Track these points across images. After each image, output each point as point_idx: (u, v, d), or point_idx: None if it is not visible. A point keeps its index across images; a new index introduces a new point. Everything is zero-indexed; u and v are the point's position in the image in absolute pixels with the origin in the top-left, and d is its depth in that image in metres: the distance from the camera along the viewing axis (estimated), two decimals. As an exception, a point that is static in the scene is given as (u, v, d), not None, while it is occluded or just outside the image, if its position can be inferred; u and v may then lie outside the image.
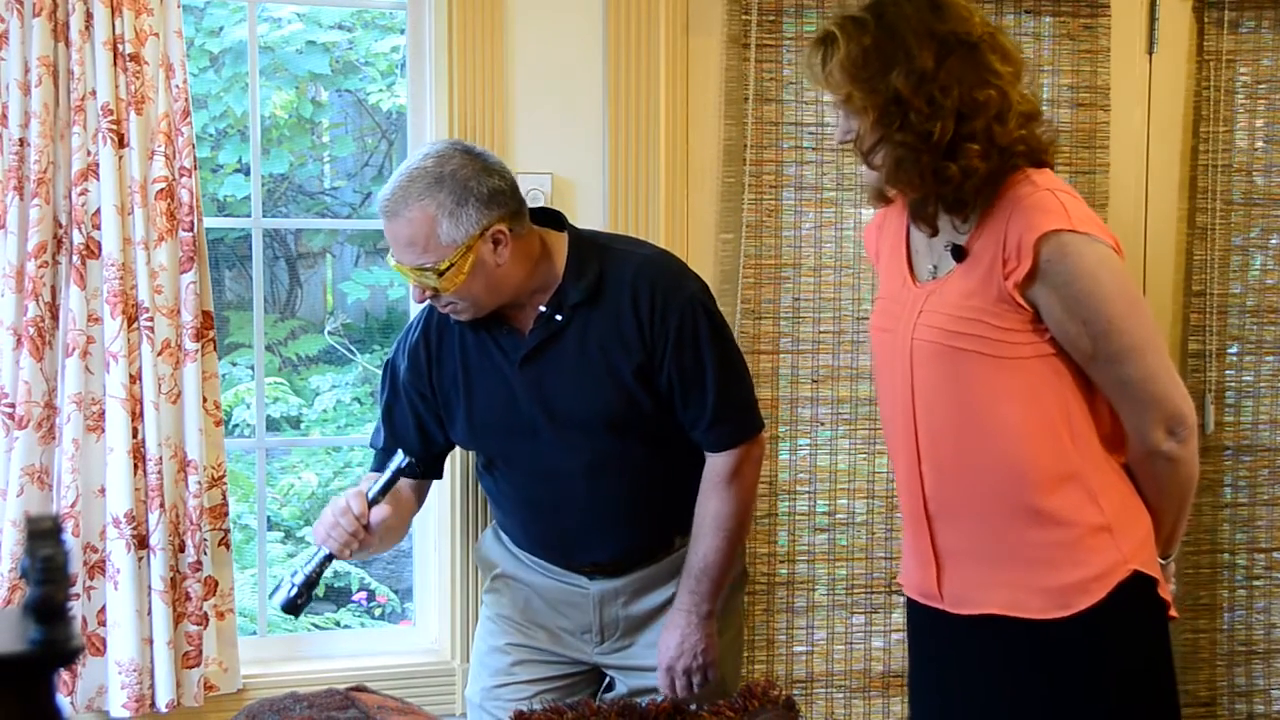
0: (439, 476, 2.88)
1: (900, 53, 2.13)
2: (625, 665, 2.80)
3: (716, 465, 2.68)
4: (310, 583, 2.56)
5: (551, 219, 2.70)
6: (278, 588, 2.59)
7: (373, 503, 2.56)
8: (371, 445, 2.84)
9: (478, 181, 2.51)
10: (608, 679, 2.85)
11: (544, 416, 2.64)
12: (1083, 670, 2.20)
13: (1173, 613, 2.29)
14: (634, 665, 2.78)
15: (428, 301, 2.62)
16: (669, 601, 2.75)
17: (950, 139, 2.13)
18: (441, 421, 2.75)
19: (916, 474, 2.27)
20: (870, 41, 2.15)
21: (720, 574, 2.68)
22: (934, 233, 2.26)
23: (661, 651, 2.70)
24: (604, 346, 2.60)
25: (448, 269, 2.49)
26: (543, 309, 2.61)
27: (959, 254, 2.21)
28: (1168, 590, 2.27)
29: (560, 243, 2.65)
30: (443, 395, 2.72)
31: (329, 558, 2.56)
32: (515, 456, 2.72)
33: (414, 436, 2.75)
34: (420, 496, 2.86)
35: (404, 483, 2.68)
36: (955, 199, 2.17)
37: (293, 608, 2.56)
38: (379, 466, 2.71)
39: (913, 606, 2.41)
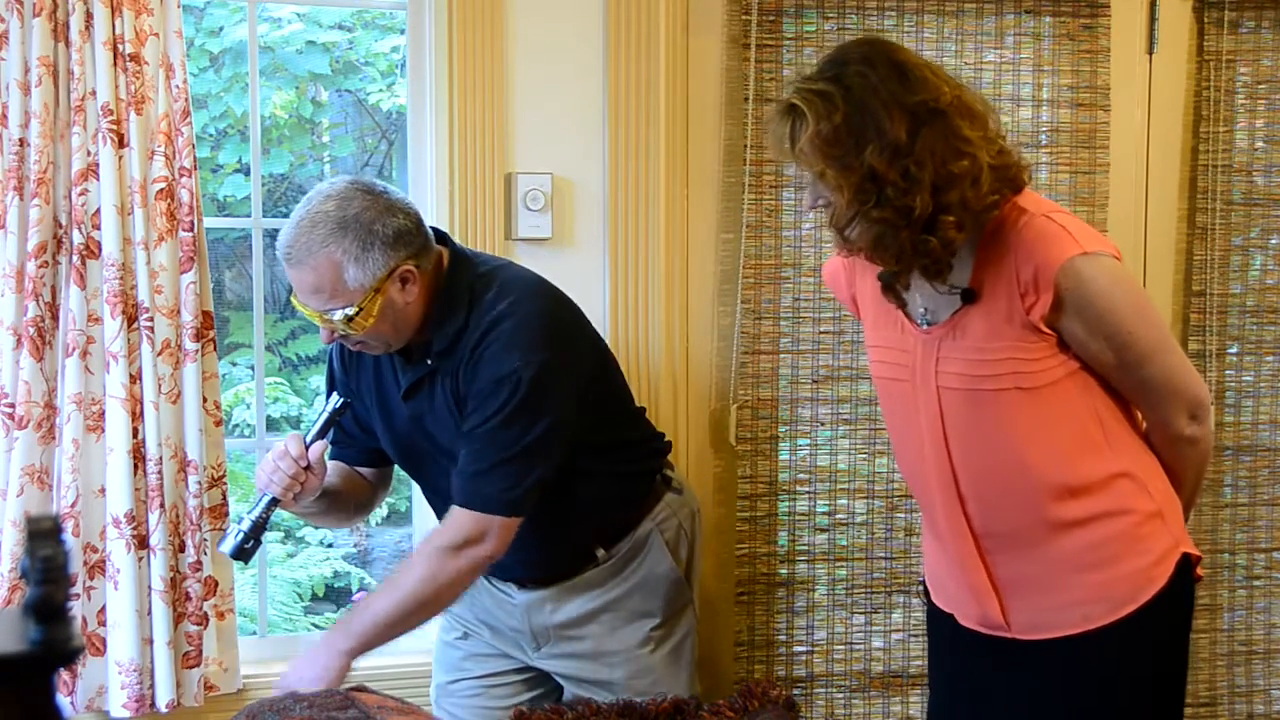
0: (391, 465, 2.84)
1: (872, 128, 2.08)
2: (566, 674, 2.78)
3: (444, 520, 2.57)
4: (257, 527, 2.54)
5: (440, 239, 2.62)
6: (225, 536, 2.58)
7: (310, 443, 2.54)
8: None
9: (382, 224, 2.43)
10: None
11: (429, 445, 2.63)
12: (1149, 658, 2.26)
13: (1199, 571, 2.33)
14: (574, 675, 2.77)
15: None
16: (600, 609, 2.73)
17: (928, 214, 2.09)
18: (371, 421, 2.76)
19: (960, 514, 2.28)
20: (840, 119, 2.08)
21: (383, 628, 2.54)
22: (901, 305, 2.26)
23: (289, 669, 2.59)
24: (453, 391, 2.55)
25: (357, 314, 2.43)
26: (419, 348, 2.57)
27: (970, 296, 2.19)
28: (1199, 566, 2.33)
29: (436, 284, 2.55)
30: (361, 406, 2.72)
31: (273, 502, 2.54)
32: (420, 474, 2.76)
33: (353, 425, 2.75)
34: (378, 483, 2.84)
35: (359, 466, 2.73)
36: (935, 269, 2.16)
37: (240, 553, 2.55)
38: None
39: (957, 630, 2.39)
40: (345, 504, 2.76)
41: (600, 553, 2.73)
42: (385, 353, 2.59)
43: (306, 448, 2.54)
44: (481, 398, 2.49)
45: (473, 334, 2.51)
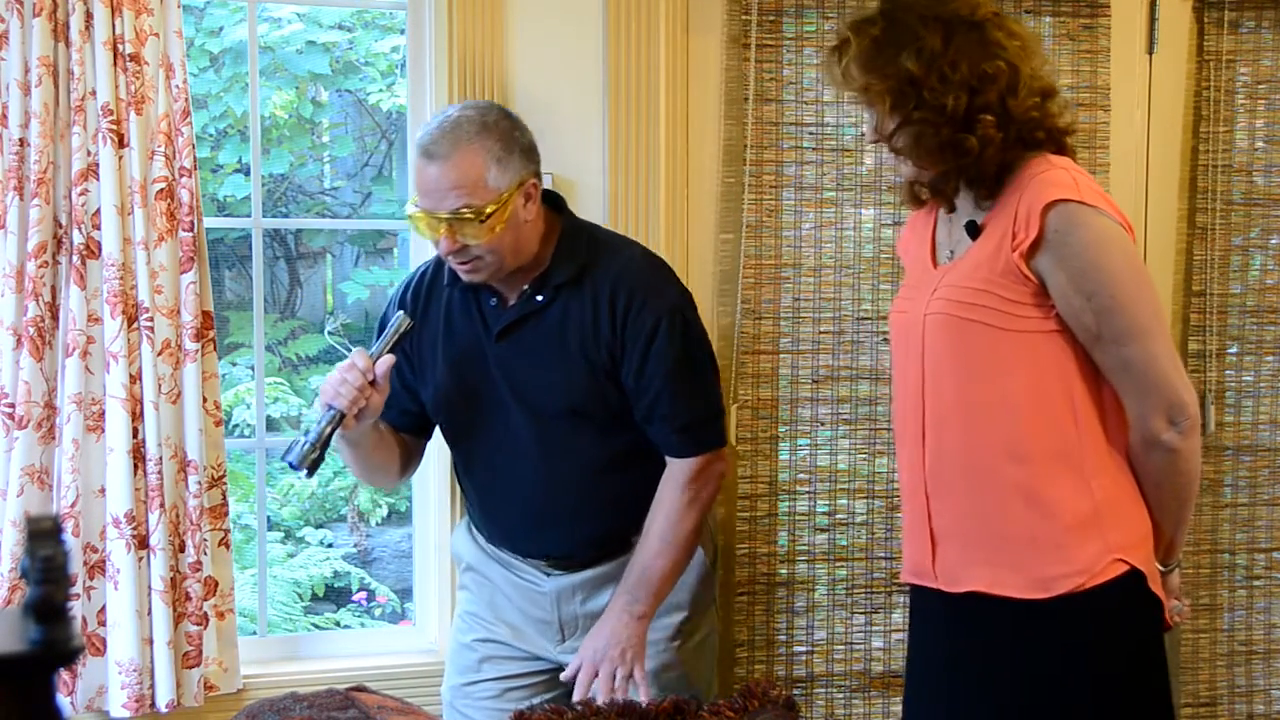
0: (428, 436, 2.86)
1: (908, 37, 2.21)
2: None
3: (674, 473, 2.67)
4: (323, 440, 2.51)
5: (552, 200, 2.72)
6: (289, 449, 2.52)
7: (377, 358, 2.55)
8: None
9: (519, 134, 2.58)
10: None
11: (511, 393, 2.65)
12: (1060, 656, 2.21)
13: (1168, 621, 2.29)
14: None
15: (448, 259, 2.59)
16: None
17: (965, 111, 2.19)
18: (418, 382, 2.76)
19: (920, 453, 2.30)
20: (879, 32, 2.23)
21: (660, 583, 2.65)
22: (952, 209, 2.31)
23: (585, 646, 2.64)
24: (579, 333, 2.62)
25: (489, 215, 2.50)
26: (526, 288, 2.63)
27: (974, 230, 2.25)
28: (1160, 587, 2.27)
29: (555, 226, 2.67)
30: (419, 356, 2.73)
31: (339, 416, 2.52)
32: (478, 430, 2.72)
33: (398, 388, 2.73)
34: (413, 451, 2.84)
35: (398, 429, 2.74)
36: (976, 173, 2.22)
37: (305, 462, 2.50)
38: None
39: (913, 591, 2.43)
40: (388, 456, 2.76)
41: (633, 539, 2.73)
42: (488, 279, 2.61)
43: (374, 361, 2.55)
44: (647, 338, 2.60)
45: (607, 270, 2.63)
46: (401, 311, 2.62)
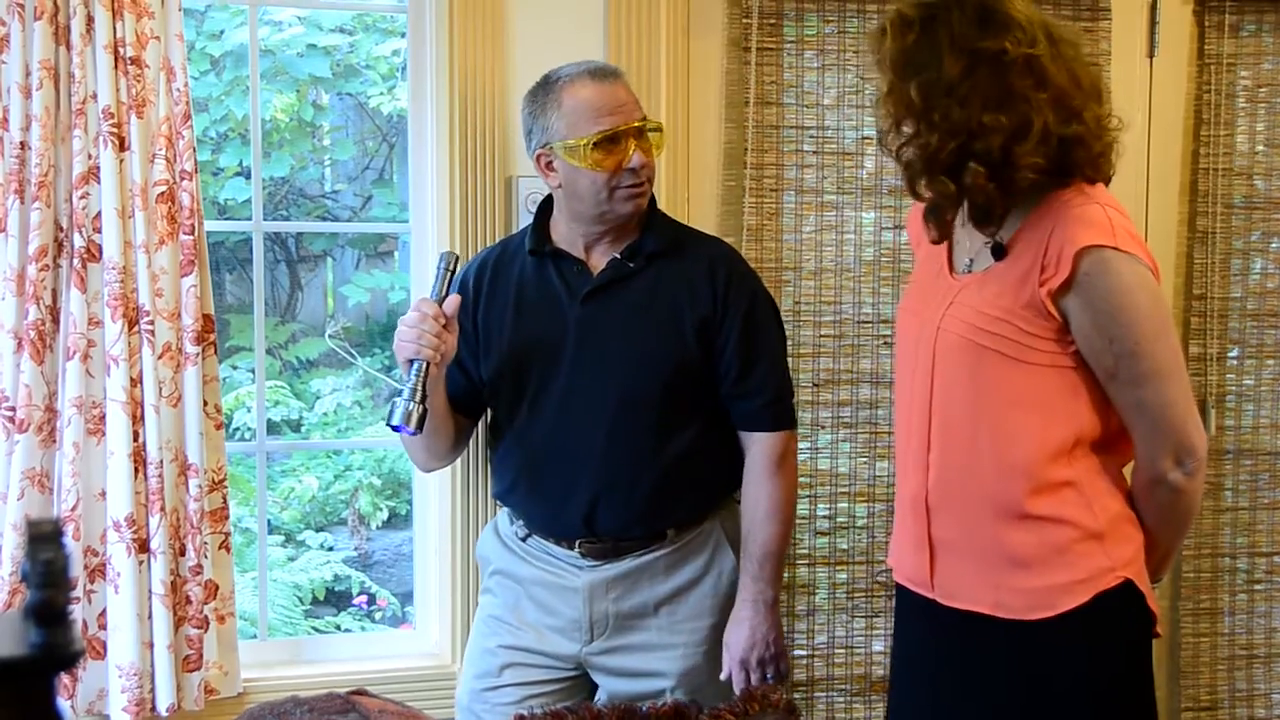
0: (476, 419, 2.91)
1: (930, 59, 2.15)
2: (613, 668, 2.77)
3: (766, 448, 2.74)
4: (421, 394, 2.55)
5: None
6: (390, 413, 2.57)
7: (440, 300, 2.59)
8: None
9: None
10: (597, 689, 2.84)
11: (589, 355, 2.69)
12: (1062, 672, 2.21)
13: (1157, 629, 2.30)
14: (623, 669, 2.76)
15: (628, 179, 2.66)
16: (663, 601, 2.75)
17: (952, 156, 2.14)
18: (476, 357, 2.79)
19: (924, 462, 2.29)
20: (911, 42, 2.18)
21: (780, 560, 2.76)
22: (939, 240, 2.29)
23: (732, 647, 2.72)
24: (674, 294, 2.71)
25: (660, 130, 2.73)
26: (617, 255, 2.72)
27: (999, 252, 2.22)
28: (1155, 603, 2.28)
29: None
30: (484, 329, 2.78)
31: (426, 367, 2.56)
32: (546, 393, 2.74)
33: (452, 366, 2.75)
34: (462, 429, 2.87)
35: (441, 404, 2.75)
36: (982, 212, 2.19)
37: (411, 420, 2.54)
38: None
39: (902, 592, 2.43)
40: (449, 424, 2.79)
41: (670, 533, 2.76)
42: (641, 210, 2.71)
43: (439, 305, 2.60)
44: (748, 308, 2.72)
45: (705, 246, 2.80)
46: (444, 252, 2.69)
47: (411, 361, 2.57)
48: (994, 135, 2.12)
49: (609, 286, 2.71)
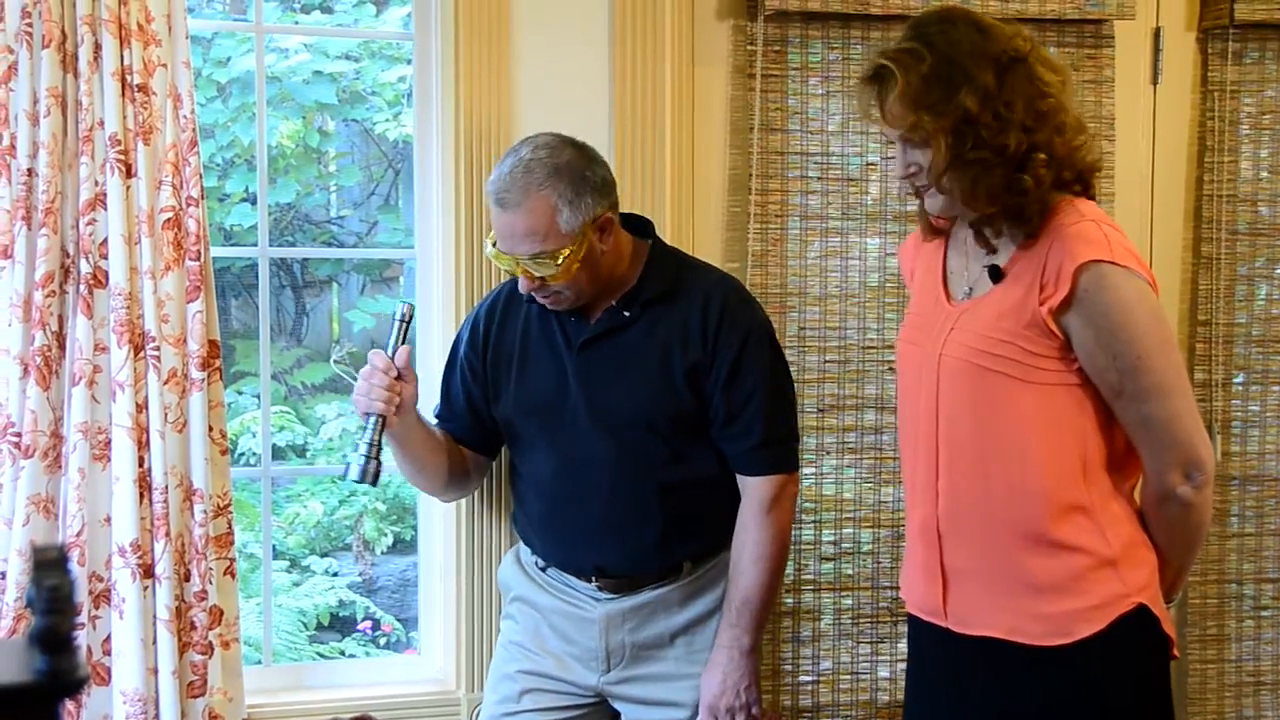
0: (490, 455, 2.93)
1: (960, 74, 2.16)
2: (631, 697, 2.78)
3: (755, 493, 2.71)
4: (375, 449, 2.60)
5: (637, 225, 2.80)
6: (345, 470, 2.63)
7: (393, 354, 2.63)
8: (435, 416, 2.92)
9: (591, 172, 2.62)
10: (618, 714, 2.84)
11: (587, 404, 2.69)
12: (1079, 699, 2.20)
13: (1174, 652, 2.29)
14: (641, 699, 2.77)
15: (529, 291, 2.66)
16: (679, 631, 2.75)
17: (1024, 151, 2.16)
18: (488, 399, 2.81)
19: (933, 490, 2.28)
20: (928, 69, 2.16)
21: (761, 608, 2.71)
22: (993, 250, 2.27)
23: (704, 691, 2.71)
24: (666, 341, 2.68)
25: (565, 258, 2.55)
26: (613, 304, 2.70)
27: (996, 275, 2.23)
28: (1171, 627, 2.27)
29: (643, 248, 2.75)
30: (494, 370, 2.79)
31: (381, 421, 2.61)
32: (551, 440, 2.75)
33: (463, 407, 2.82)
34: (475, 467, 2.89)
35: (461, 443, 2.82)
36: (1021, 212, 2.19)
37: (365, 475, 2.60)
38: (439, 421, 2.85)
39: (915, 622, 2.41)
40: (440, 460, 2.81)
41: (686, 565, 2.76)
42: (569, 308, 2.67)
43: (391, 356, 2.63)
44: (738, 349, 2.67)
45: (699, 287, 2.71)
46: (399, 303, 2.71)
47: (367, 415, 2.59)
48: (1047, 123, 2.17)
49: (603, 336, 2.71)
